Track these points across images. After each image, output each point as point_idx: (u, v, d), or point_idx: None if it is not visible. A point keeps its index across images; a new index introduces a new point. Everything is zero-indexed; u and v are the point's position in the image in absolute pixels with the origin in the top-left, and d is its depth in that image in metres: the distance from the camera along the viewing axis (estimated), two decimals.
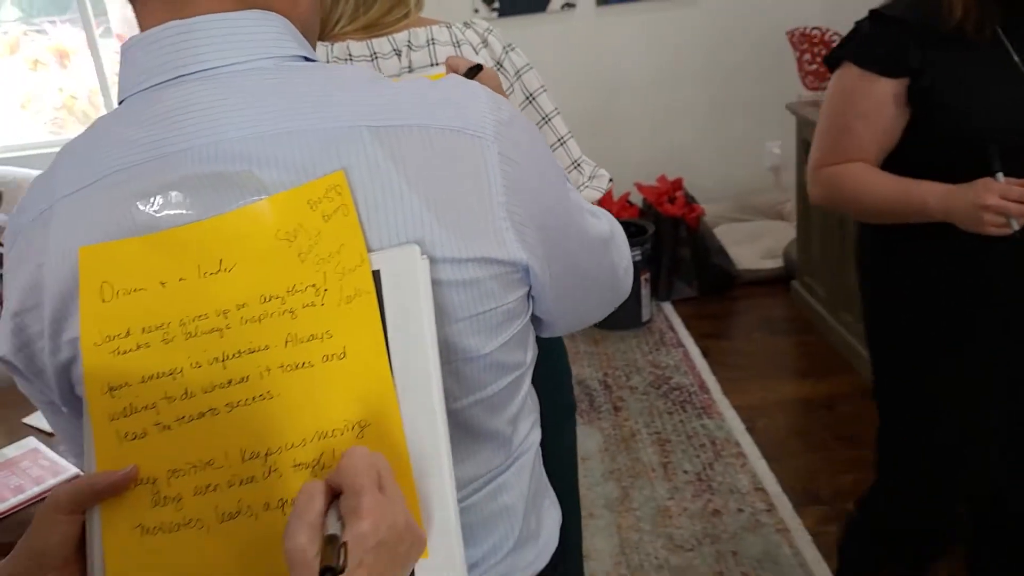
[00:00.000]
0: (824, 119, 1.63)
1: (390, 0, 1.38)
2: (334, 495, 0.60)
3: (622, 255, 0.95)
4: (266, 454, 0.65)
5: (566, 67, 4.20)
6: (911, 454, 1.73)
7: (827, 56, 1.61)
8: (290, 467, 0.65)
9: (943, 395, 1.64)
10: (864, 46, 1.55)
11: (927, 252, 1.59)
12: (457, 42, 1.38)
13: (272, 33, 0.74)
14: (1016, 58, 1.45)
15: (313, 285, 0.67)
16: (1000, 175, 1.43)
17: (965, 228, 1.45)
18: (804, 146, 3.62)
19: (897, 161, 1.56)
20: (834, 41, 3.64)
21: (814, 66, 3.64)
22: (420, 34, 1.38)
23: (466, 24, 1.41)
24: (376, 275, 0.67)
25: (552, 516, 0.93)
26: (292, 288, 0.67)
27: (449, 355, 0.72)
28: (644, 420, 3.12)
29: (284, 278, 0.67)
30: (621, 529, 2.57)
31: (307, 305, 0.67)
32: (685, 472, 2.81)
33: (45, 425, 1.71)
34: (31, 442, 1.66)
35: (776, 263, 4.06)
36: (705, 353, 3.53)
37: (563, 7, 4.19)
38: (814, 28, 3.64)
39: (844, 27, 3.71)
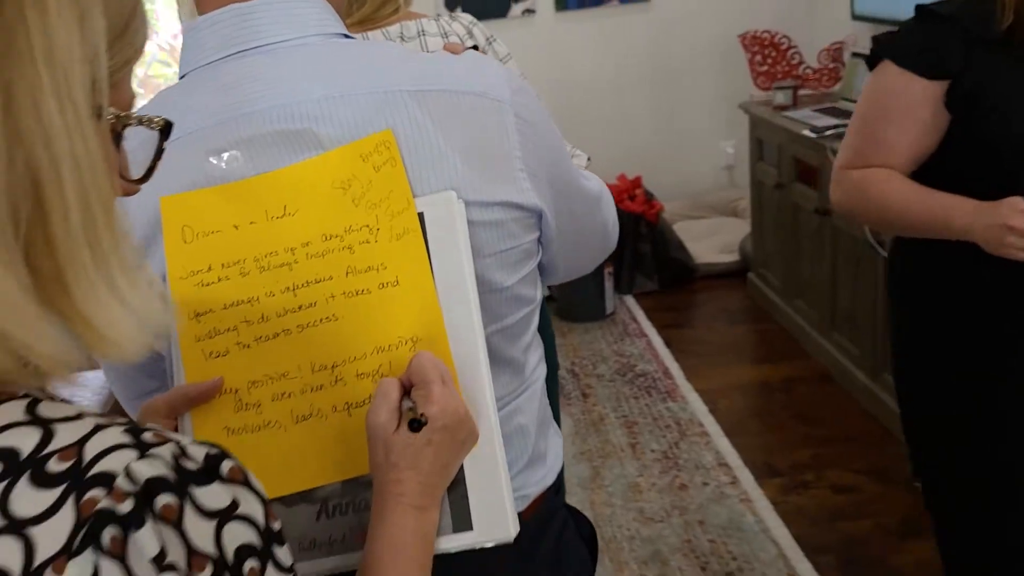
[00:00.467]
0: (856, 119, 1.54)
1: None
2: (406, 390, 0.72)
3: (610, 212, 1.08)
4: (333, 366, 0.77)
5: (527, 70, 4.30)
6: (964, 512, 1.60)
7: (868, 55, 1.54)
8: (354, 376, 0.77)
9: (977, 430, 1.52)
10: (905, 44, 1.46)
11: (959, 276, 1.49)
12: (445, 33, 1.52)
13: (317, 14, 0.87)
14: None
15: (367, 225, 0.79)
16: None
17: (986, 249, 1.35)
18: (757, 144, 3.81)
19: (932, 173, 1.47)
20: (783, 44, 3.83)
21: (764, 67, 3.83)
22: (411, 26, 1.51)
23: (452, 17, 1.54)
24: (420, 216, 0.79)
25: (556, 443, 1.06)
26: (349, 228, 0.79)
27: (478, 287, 0.84)
28: (612, 405, 3.26)
29: (341, 220, 0.79)
30: (594, 505, 2.71)
31: (363, 242, 0.79)
32: (652, 451, 2.96)
33: None
34: None
35: (732, 257, 4.24)
36: (667, 342, 3.69)
37: (524, 13, 4.34)
38: (764, 31, 3.83)
39: (792, 30, 3.92)
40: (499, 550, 0.97)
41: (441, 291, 0.78)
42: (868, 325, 2.99)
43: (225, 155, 0.81)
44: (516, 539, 0.97)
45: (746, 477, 2.76)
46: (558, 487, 1.06)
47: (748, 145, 3.92)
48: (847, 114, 3.29)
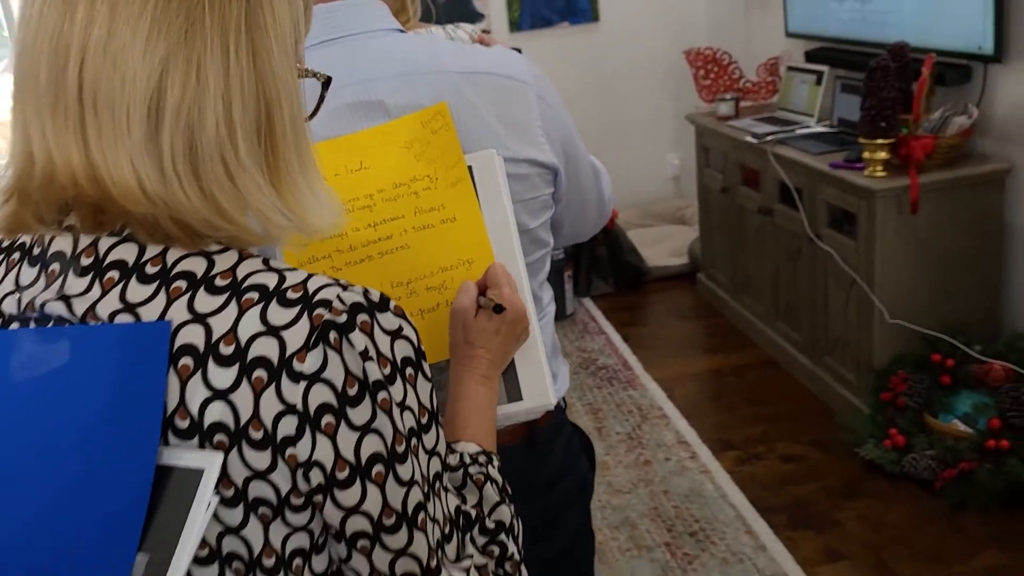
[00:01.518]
0: None
1: (394, 7, 1.73)
2: (481, 290, 0.95)
3: (606, 186, 1.33)
4: (407, 282, 0.99)
5: None
6: None
7: None
8: (424, 289, 0.99)
9: None
10: None
11: None
12: (451, 39, 1.75)
13: (380, 13, 1.10)
14: None
15: (428, 175, 1.01)
16: None
17: None
18: (703, 152, 4.10)
19: None
20: (724, 59, 4.13)
21: (708, 81, 4.12)
22: (422, 33, 1.74)
23: (456, 26, 1.78)
24: (469, 169, 1.02)
25: (564, 369, 1.29)
26: (413, 178, 1.01)
27: None
28: (577, 394, 3.50)
29: (407, 172, 1.02)
30: None
31: (425, 189, 1.01)
32: (617, 433, 3.19)
33: None
34: None
35: (682, 260, 4.52)
36: (625, 338, 3.94)
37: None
38: (706, 48, 4.13)
39: (731, 47, 4.22)
40: (521, 451, 1.19)
41: (488, 225, 1.01)
42: (808, 314, 3.28)
43: (315, 120, 1.03)
44: (534, 441, 1.20)
45: (704, 452, 3.01)
46: (564, 407, 1.29)
47: (694, 154, 4.21)
48: (786, 122, 3.59)
